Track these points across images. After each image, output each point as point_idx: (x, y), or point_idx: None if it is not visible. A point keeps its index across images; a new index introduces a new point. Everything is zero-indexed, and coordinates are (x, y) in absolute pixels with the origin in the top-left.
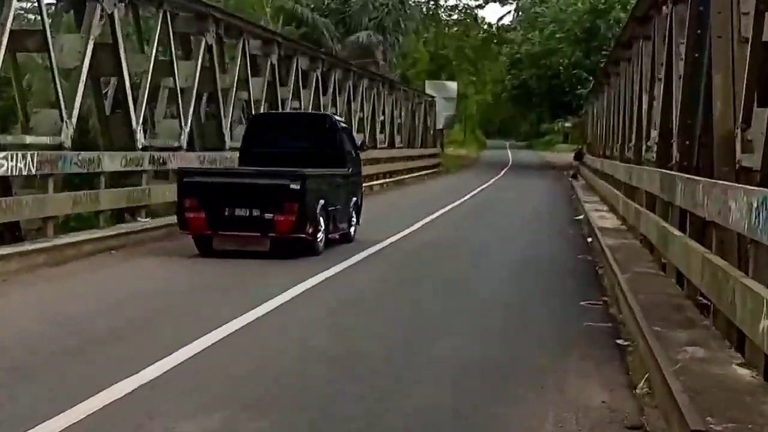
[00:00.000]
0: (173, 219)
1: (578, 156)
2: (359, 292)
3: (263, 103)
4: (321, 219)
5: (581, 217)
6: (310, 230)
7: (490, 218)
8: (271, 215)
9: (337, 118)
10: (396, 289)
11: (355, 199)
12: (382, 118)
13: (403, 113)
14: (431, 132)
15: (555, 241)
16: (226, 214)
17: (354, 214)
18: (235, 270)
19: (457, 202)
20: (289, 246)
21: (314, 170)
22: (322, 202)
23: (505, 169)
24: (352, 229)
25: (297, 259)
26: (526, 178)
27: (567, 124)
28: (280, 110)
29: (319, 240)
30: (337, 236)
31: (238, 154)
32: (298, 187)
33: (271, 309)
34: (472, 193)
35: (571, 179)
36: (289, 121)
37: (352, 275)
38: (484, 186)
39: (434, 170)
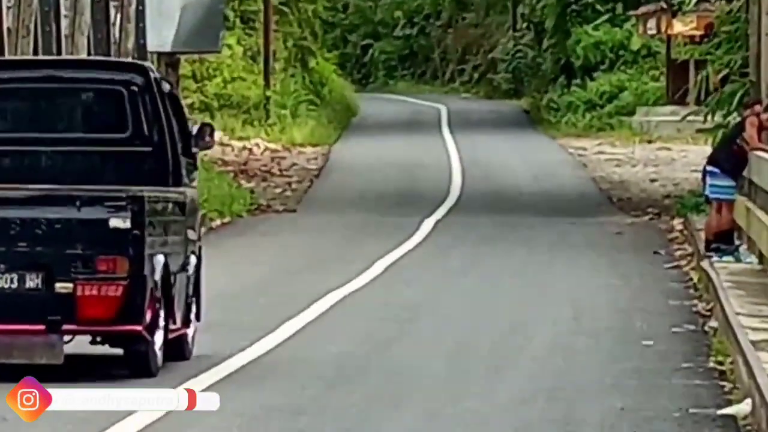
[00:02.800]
0: None
1: (734, 159)
2: None
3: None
4: (162, 297)
5: None
6: (148, 318)
7: None
8: (70, 286)
9: (158, 74)
10: None
11: (193, 258)
12: None
13: None
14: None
15: None
16: None
17: (192, 294)
18: None
19: None
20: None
21: (152, 189)
22: (161, 259)
23: (432, 221)
24: (190, 330)
25: (111, 384)
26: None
27: (685, 27)
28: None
29: (157, 342)
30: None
31: None
32: (128, 224)
33: None
34: None
35: (711, 256)
36: (45, 80)
37: None
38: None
39: None
